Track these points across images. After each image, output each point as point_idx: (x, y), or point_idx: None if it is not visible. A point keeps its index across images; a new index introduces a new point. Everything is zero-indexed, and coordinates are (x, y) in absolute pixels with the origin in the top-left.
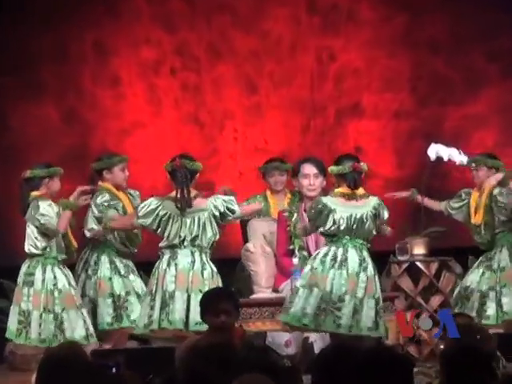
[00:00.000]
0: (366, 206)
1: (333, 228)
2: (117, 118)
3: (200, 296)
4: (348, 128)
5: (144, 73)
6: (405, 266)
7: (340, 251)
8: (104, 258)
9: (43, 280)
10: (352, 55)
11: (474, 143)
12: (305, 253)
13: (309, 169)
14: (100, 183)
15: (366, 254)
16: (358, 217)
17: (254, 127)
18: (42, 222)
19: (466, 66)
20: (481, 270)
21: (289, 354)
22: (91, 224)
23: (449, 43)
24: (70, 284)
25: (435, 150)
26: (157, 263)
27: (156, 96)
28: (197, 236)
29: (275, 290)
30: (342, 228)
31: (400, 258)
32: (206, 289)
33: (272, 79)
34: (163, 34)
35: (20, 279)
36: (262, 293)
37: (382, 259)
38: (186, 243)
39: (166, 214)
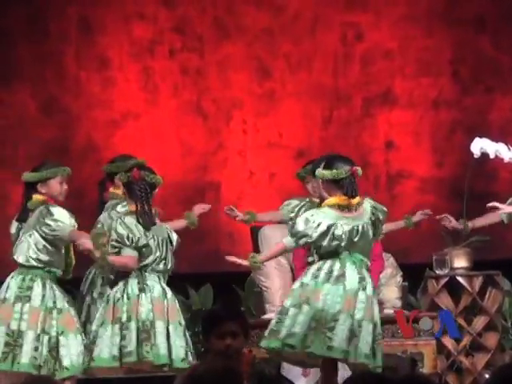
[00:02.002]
0: (364, 214)
1: (333, 244)
2: (105, 108)
3: (180, 329)
4: (378, 119)
5: (137, 54)
6: (444, 281)
7: (337, 265)
8: None
9: (43, 296)
10: (383, 34)
11: None
12: None
13: None
14: (111, 189)
15: (365, 272)
16: (359, 229)
17: (266, 118)
18: (53, 227)
19: None
20: None
21: None
22: None
23: (496, 20)
24: (68, 303)
25: (480, 146)
26: (120, 286)
27: (152, 81)
28: (162, 259)
29: None
30: (343, 244)
31: (438, 271)
32: (183, 320)
33: (288, 62)
34: (160, 9)
35: (10, 294)
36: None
37: (416, 273)
38: (151, 266)
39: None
